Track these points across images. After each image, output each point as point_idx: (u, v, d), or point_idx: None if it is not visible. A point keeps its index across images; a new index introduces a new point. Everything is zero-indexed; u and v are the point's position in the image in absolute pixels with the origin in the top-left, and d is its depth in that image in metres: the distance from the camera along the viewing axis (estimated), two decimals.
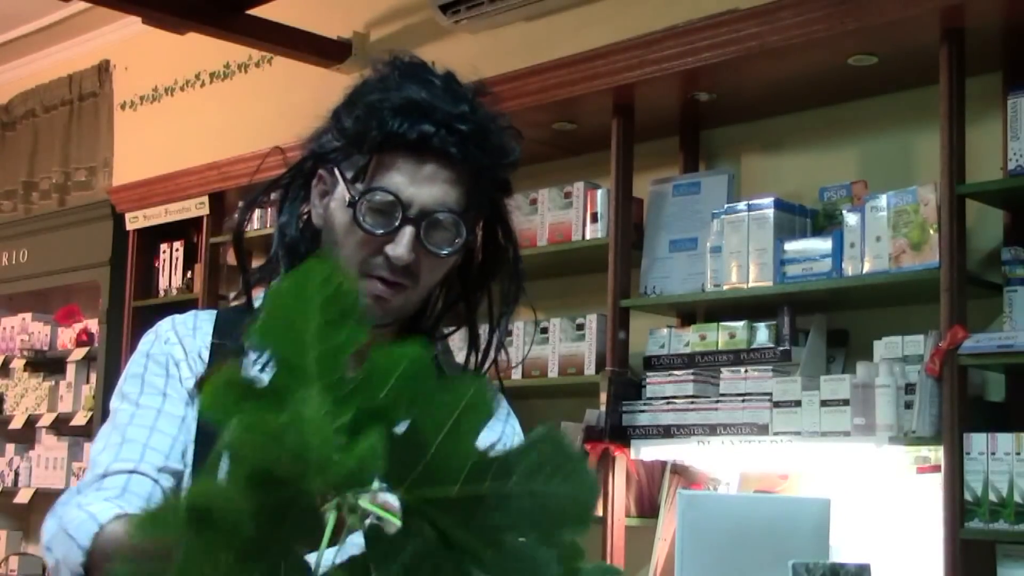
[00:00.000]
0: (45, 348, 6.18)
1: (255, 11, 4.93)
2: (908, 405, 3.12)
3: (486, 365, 1.59)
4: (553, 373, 3.99)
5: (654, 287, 3.80)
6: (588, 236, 3.92)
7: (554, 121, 4.04)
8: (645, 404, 3.63)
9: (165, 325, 1.57)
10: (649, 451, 3.65)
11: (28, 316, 6.28)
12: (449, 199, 1.48)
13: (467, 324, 1.61)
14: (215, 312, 1.60)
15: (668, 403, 3.58)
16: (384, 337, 1.54)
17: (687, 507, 2.84)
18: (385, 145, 1.47)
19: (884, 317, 3.45)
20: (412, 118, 1.47)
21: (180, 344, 1.54)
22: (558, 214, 4.01)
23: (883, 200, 3.28)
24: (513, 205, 1.59)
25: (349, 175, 1.50)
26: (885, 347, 3.26)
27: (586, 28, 4.31)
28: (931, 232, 3.15)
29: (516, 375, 4.03)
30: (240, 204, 1.67)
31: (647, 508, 3.75)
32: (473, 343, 1.60)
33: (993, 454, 2.97)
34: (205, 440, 1.48)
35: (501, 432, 1.59)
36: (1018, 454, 2.95)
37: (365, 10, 5.19)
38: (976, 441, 3.00)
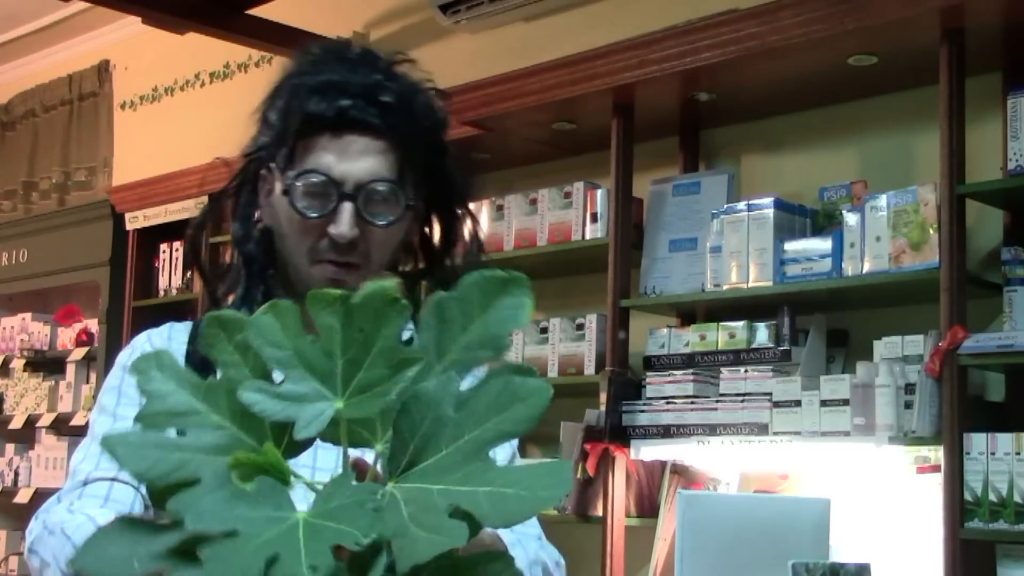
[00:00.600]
0: (45, 348, 6.18)
1: (255, 11, 4.93)
2: (908, 405, 3.12)
3: None
4: (553, 373, 3.99)
5: (654, 287, 3.80)
6: (588, 236, 3.92)
7: (554, 121, 4.04)
8: (645, 404, 3.63)
9: (141, 338, 1.58)
10: (649, 451, 3.65)
11: (28, 316, 6.28)
12: (382, 169, 1.48)
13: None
14: (191, 323, 1.61)
15: (668, 403, 3.58)
16: None
17: (687, 507, 2.84)
18: (308, 128, 1.48)
19: (884, 317, 3.45)
20: (329, 96, 1.47)
21: None
22: (558, 214, 4.01)
23: (883, 200, 3.28)
24: (453, 164, 1.58)
25: (281, 166, 1.51)
26: (885, 347, 3.26)
27: (586, 28, 4.31)
28: (931, 232, 3.15)
29: None
30: (193, 220, 1.67)
31: (647, 508, 3.75)
32: None
33: (993, 454, 2.97)
34: None
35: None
36: (1018, 454, 2.95)
37: (365, 10, 5.19)
38: (976, 441, 3.00)
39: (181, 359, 1.51)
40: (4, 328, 6.41)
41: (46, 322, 6.22)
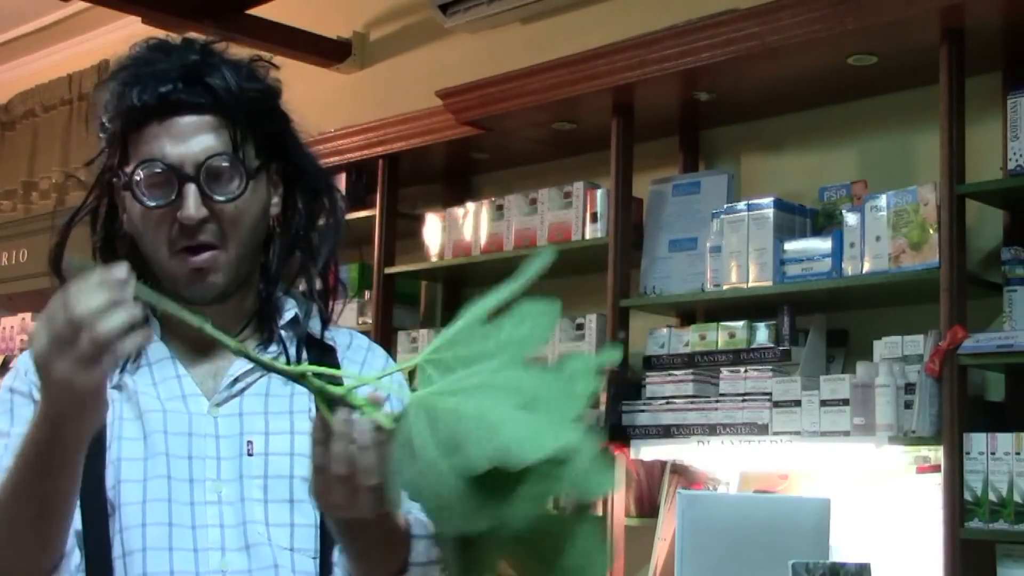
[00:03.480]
0: None
1: (255, 11, 4.93)
2: (908, 405, 3.12)
3: (332, 299, 1.58)
4: None
5: (654, 287, 3.80)
6: (588, 236, 3.92)
7: (554, 121, 4.04)
8: (645, 404, 3.63)
9: (24, 358, 1.56)
10: (649, 451, 3.65)
11: (28, 316, 6.28)
12: (217, 144, 1.47)
13: (304, 272, 1.58)
14: None
15: (668, 403, 3.58)
16: (230, 312, 1.52)
17: (687, 507, 2.85)
18: (133, 122, 1.47)
19: (884, 317, 3.45)
20: (148, 85, 1.46)
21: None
22: (558, 214, 4.01)
23: (883, 200, 3.29)
24: (298, 131, 1.57)
25: (120, 166, 1.50)
26: (885, 347, 3.26)
27: (586, 28, 4.31)
28: (931, 232, 3.15)
29: None
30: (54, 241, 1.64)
31: (647, 508, 3.75)
32: (311, 288, 1.58)
33: (993, 454, 2.98)
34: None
35: (384, 364, 1.62)
36: (1018, 454, 2.95)
37: (365, 10, 5.19)
38: (976, 441, 3.00)
39: None
40: (4, 328, 6.41)
41: None
